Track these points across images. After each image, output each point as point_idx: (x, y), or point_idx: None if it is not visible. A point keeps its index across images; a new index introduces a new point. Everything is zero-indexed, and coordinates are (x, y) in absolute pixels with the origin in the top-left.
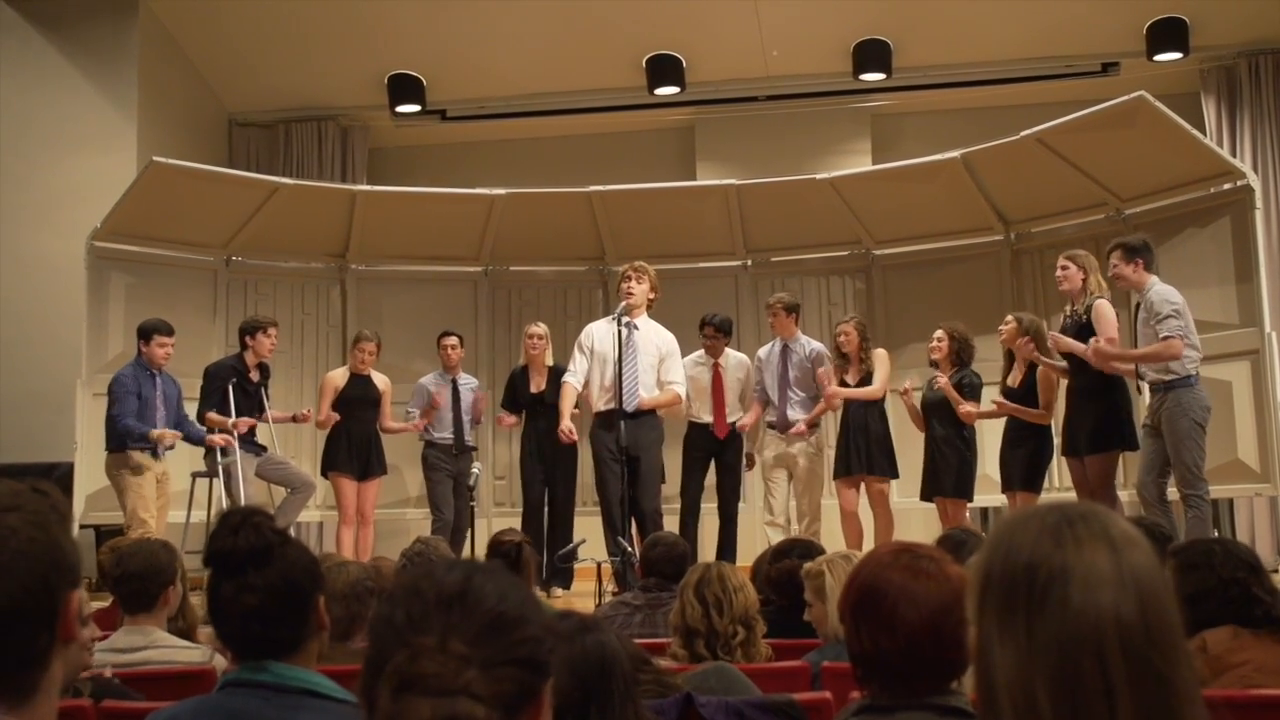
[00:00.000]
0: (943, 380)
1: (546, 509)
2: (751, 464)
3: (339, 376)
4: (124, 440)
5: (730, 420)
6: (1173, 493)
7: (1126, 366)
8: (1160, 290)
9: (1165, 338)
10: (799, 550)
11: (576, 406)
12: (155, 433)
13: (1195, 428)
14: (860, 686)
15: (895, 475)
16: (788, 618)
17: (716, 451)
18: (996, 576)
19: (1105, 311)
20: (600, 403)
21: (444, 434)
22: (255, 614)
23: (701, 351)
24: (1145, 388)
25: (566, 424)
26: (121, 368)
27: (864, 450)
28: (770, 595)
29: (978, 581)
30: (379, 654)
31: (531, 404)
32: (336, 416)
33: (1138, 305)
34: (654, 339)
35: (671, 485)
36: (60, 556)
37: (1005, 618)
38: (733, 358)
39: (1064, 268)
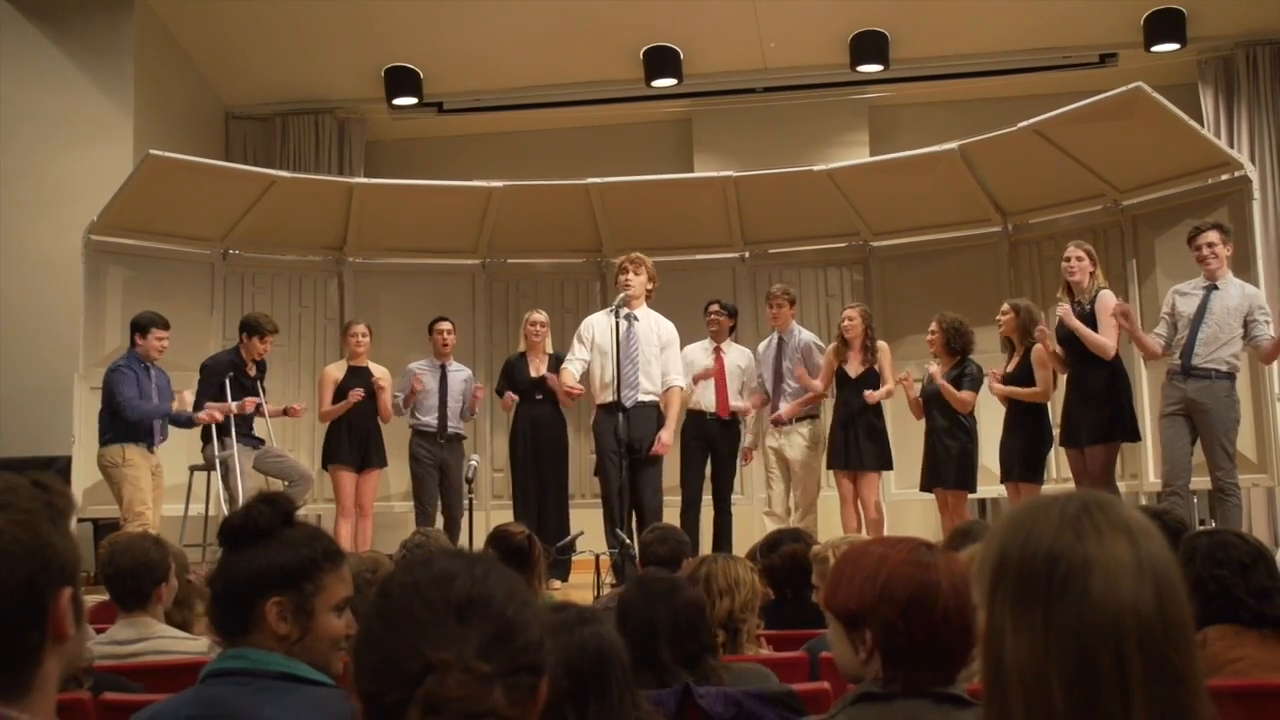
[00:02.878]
0: (933, 369)
1: (538, 499)
2: (749, 457)
3: (336, 369)
4: (134, 427)
5: (732, 406)
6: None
7: (1151, 349)
8: (1253, 289)
9: (1275, 339)
10: (789, 537)
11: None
12: (201, 415)
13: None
14: (887, 681)
15: (888, 467)
16: (791, 608)
17: (714, 441)
18: (1013, 564)
19: (1111, 303)
20: (602, 395)
21: (428, 419)
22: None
23: (707, 340)
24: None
25: (570, 381)
26: (114, 360)
27: (855, 443)
28: (772, 587)
29: (990, 568)
30: (385, 657)
31: (530, 388)
32: (344, 406)
33: (1210, 288)
34: (654, 329)
35: (671, 477)
36: (50, 556)
37: (1021, 606)
38: (734, 348)
39: (1079, 259)
